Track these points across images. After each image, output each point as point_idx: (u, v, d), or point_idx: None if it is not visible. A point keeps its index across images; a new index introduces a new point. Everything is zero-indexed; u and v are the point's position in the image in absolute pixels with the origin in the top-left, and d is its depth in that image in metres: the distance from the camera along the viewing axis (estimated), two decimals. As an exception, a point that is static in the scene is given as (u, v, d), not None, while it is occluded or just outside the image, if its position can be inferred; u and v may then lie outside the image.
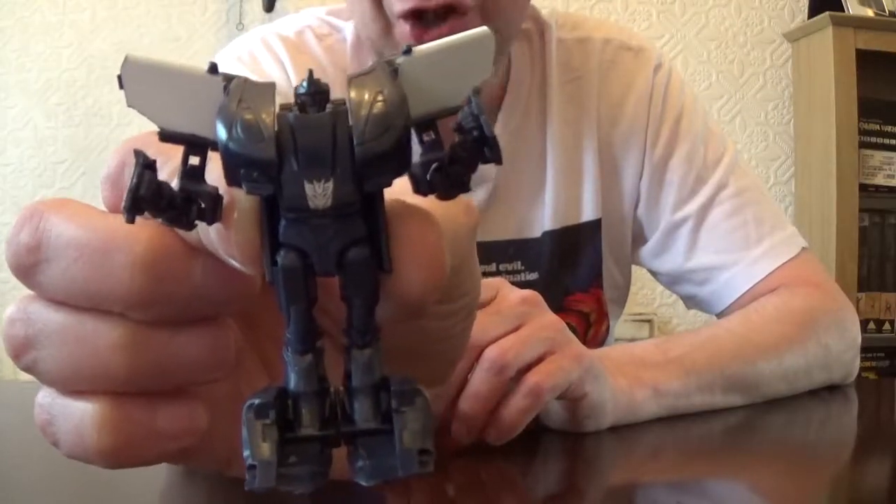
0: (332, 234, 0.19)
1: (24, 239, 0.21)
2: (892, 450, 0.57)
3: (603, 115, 0.82)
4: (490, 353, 0.48)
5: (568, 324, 0.83)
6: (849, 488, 0.49)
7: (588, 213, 0.82)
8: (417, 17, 0.67)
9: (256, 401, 0.19)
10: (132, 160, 0.22)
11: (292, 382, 0.20)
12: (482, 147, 0.19)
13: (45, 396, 0.23)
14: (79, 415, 0.22)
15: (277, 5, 2.20)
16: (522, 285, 0.81)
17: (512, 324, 0.50)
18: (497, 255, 0.80)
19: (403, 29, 0.68)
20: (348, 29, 0.82)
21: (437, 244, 0.20)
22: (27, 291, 0.23)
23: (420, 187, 0.19)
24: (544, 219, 0.82)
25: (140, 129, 0.23)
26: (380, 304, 0.20)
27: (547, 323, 0.52)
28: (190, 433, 0.22)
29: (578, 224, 0.82)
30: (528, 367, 0.50)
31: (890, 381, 1.67)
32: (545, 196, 0.81)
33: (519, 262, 0.81)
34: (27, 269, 0.21)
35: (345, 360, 0.20)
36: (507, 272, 0.81)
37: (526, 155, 0.82)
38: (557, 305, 0.82)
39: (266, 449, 0.19)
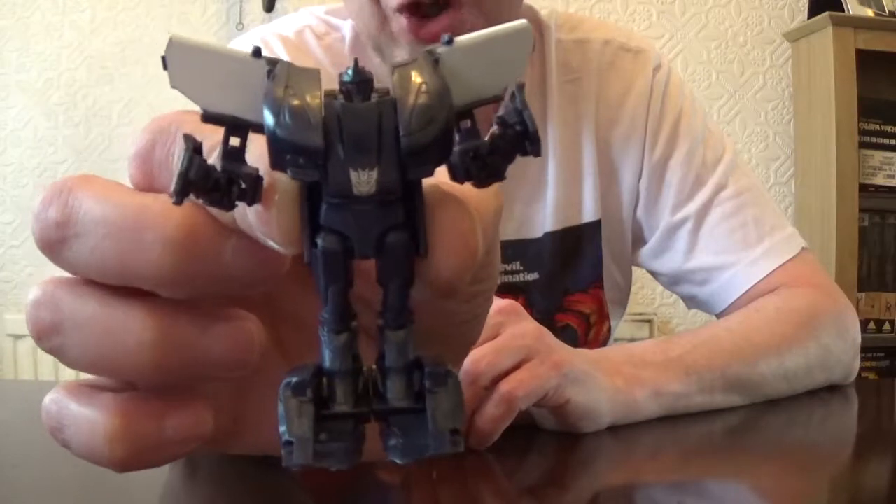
0: (374, 219, 0.19)
1: (52, 215, 0.21)
2: (892, 450, 0.57)
3: (602, 116, 0.82)
4: (463, 363, 0.49)
5: (567, 324, 0.83)
6: (849, 488, 0.49)
7: (588, 214, 0.82)
8: (413, 10, 0.67)
9: (294, 378, 0.20)
10: (163, 138, 0.22)
11: (327, 360, 0.20)
12: (523, 140, 0.19)
13: (53, 403, 0.23)
14: (89, 427, 0.22)
15: (277, 5, 2.20)
16: (522, 285, 0.81)
17: (487, 334, 0.51)
18: None
19: (401, 22, 0.68)
20: (347, 27, 0.82)
21: (471, 231, 0.21)
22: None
23: (457, 175, 0.19)
24: (545, 219, 0.82)
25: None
26: (414, 286, 0.20)
27: (523, 332, 0.52)
28: (196, 439, 0.23)
29: (579, 225, 0.82)
30: (505, 376, 0.50)
31: (890, 381, 1.67)
32: (546, 197, 0.81)
33: (518, 263, 0.81)
34: (55, 244, 0.21)
35: (378, 341, 0.20)
36: (506, 272, 0.81)
37: (526, 155, 0.81)
38: (557, 306, 0.82)
39: (303, 425, 0.19)
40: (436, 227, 0.20)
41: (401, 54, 0.70)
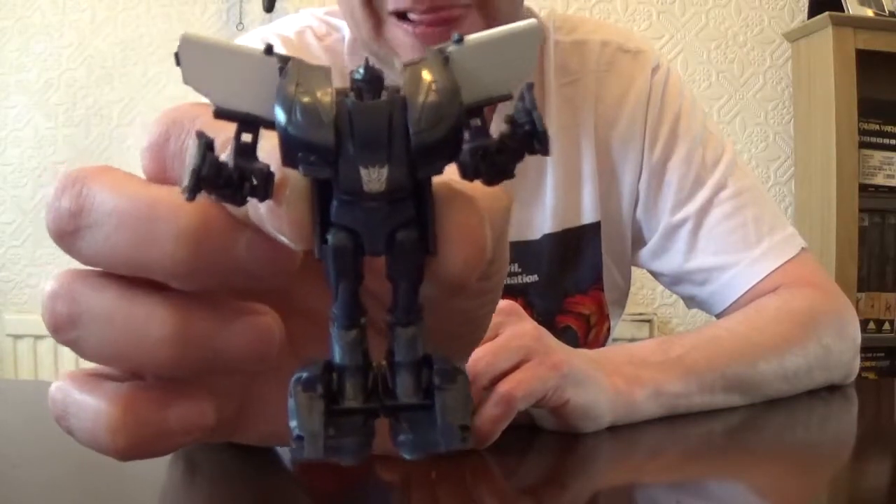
0: (384, 216, 0.19)
1: (65, 204, 0.21)
2: (892, 450, 0.57)
3: (601, 117, 0.82)
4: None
5: (568, 326, 0.83)
6: (849, 488, 0.49)
7: (588, 216, 0.82)
8: (406, 18, 0.67)
9: (304, 374, 0.20)
10: (176, 131, 0.22)
11: (338, 356, 0.20)
12: (532, 140, 0.19)
13: (58, 391, 0.23)
14: (92, 416, 0.22)
15: (277, 5, 2.20)
16: (521, 287, 0.81)
17: (487, 335, 0.51)
18: None
19: (396, 33, 0.68)
20: (347, 28, 0.82)
21: (479, 228, 0.21)
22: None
23: (466, 173, 0.20)
24: (544, 221, 0.82)
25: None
26: (423, 283, 0.20)
27: (522, 332, 0.52)
28: (199, 429, 0.23)
29: (579, 226, 0.82)
30: (504, 376, 0.50)
31: (890, 381, 1.67)
32: (545, 199, 0.81)
33: (516, 265, 0.81)
34: (67, 234, 0.21)
35: (388, 338, 0.21)
36: (505, 273, 0.81)
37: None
38: (557, 307, 0.82)
39: (313, 420, 0.19)
40: (445, 224, 0.20)
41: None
